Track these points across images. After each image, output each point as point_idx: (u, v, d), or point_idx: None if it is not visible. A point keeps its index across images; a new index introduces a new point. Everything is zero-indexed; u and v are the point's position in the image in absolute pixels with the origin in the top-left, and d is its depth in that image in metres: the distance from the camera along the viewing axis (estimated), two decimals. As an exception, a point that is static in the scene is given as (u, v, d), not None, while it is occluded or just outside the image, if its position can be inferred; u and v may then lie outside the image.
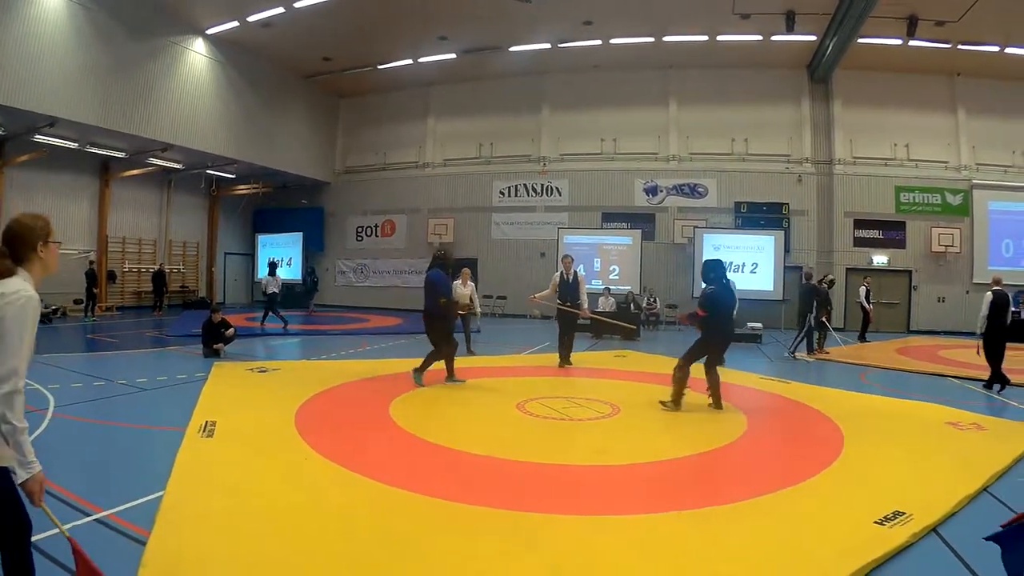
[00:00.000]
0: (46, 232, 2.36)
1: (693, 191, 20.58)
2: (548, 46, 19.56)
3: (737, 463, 5.34)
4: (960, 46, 17.21)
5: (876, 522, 3.68)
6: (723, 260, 7.55)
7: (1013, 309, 8.80)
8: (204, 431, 5.38)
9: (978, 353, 8.93)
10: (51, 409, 6.06)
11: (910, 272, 19.28)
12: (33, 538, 2.29)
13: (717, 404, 6.92)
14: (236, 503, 3.84)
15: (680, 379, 6.82)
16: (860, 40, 16.73)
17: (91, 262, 17.63)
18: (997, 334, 8.68)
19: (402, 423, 5.99)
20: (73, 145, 16.83)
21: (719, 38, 18.12)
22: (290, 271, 23.59)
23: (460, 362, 8.52)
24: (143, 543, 3.20)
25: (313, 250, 24.73)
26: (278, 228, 25.18)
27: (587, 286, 10.65)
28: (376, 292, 23.93)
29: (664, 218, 20.66)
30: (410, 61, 21.11)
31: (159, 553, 3.08)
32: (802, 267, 15.70)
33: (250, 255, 25.75)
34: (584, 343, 13.46)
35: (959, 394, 8.72)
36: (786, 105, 20.19)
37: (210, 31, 18.45)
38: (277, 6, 16.79)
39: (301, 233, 24.68)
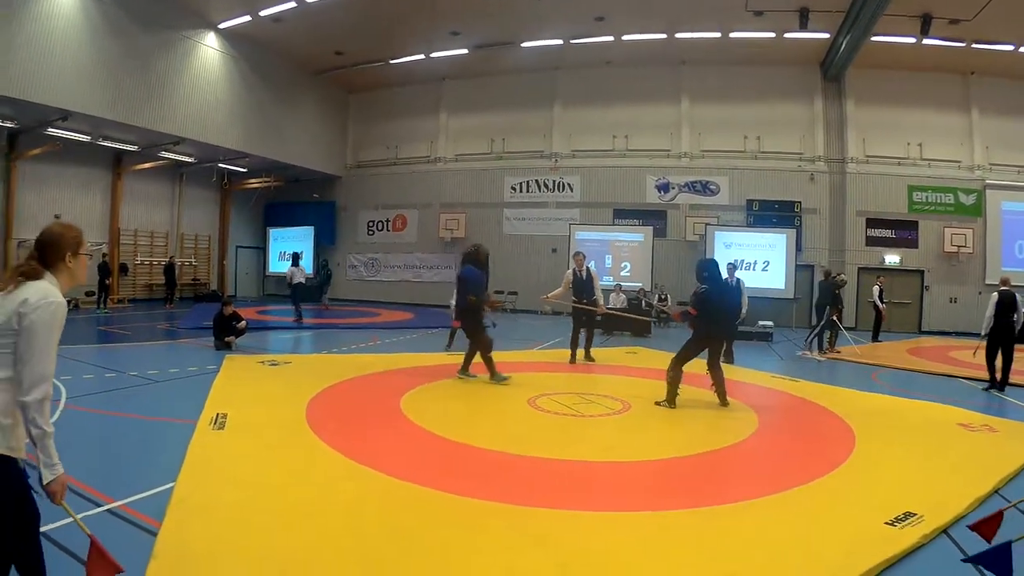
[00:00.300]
0: (77, 243, 2.38)
1: (705, 188, 20.47)
2: (560, 42, 19.48)
3: (747, 461, 5.33)
4: (974, 45, 17.00)
5: (887, 523, 3.67)
6: (717, 260, 7.91)
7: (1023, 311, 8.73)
8: (215, 424, 5.41)
9: (974, 355, 8.93)
10: (63, 400, 6.10)
11: (922, 272, 19.10)
12: (42, 528, 2.32)
13: (723, 401, 6.94)
14: (247, 496, 3.86)
15: (673, 379, 6.86)
16: (873, 38, 16.55)
17: (104, 255, 17.77)
18: (998, 335, 8.66)
19: (413, 417, 6.00)
20: (85, 138, 16.99)
21: (732, 34, 17.98)
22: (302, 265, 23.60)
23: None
24: (154, 534, 3.23)
25: (324, 244, 24.78)
26: (289, 222, 25.28)
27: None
28: (387, 287, 23.98)
29: (676, 215, 20.56)
30: (422, 56, 21.09)
31: (170, 544, 3.11)
32: (813, 265, 15.62)
33: (261, 248, 25.92)
34: (595, 340, 13.43)
35: (970, 395, 8.67)
36: (799, 103, 20.01)
37: (222, 25, 18.51)
38: (289, 0, 16.83)
39: (312, 227, 24.74)
